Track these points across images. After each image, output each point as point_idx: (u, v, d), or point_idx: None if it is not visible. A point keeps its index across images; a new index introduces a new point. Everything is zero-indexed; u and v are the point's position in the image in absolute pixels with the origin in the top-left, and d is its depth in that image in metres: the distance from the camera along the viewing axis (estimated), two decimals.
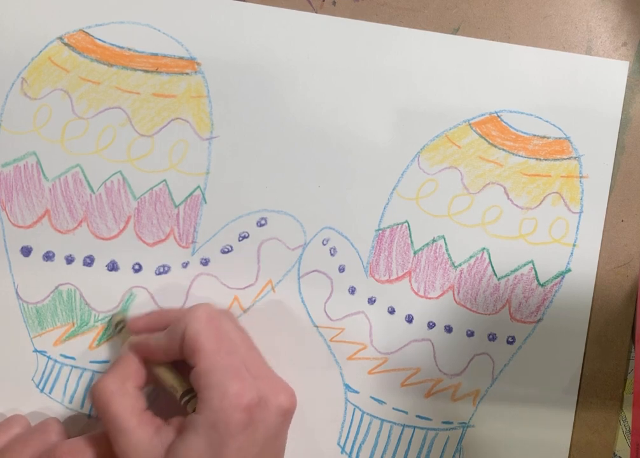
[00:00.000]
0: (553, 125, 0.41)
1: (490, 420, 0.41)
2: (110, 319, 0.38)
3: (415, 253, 0.40)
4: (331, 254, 0.40)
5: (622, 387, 0.42)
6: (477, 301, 0.41)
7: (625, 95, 0.41)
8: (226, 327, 0.35)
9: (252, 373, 0.34)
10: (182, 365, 0.34)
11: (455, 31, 0.40)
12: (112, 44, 0.38)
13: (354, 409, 0.40)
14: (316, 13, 0.39)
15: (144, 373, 0.35)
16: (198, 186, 0.39)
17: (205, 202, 0.39)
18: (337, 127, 0.40)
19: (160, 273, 0.39)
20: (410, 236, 0.40)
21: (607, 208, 0.41)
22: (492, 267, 0.41)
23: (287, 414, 0.34)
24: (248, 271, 0.39)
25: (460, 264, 0.41)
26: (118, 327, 0.38)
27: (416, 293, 0.40)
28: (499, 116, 0.40)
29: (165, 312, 0.38)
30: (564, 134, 0.41)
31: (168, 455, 0.32)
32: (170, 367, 0.36)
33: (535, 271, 0.41)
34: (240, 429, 0.31)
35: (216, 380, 0.32)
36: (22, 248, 0.38)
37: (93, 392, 0.34)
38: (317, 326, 0.40)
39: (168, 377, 0.35)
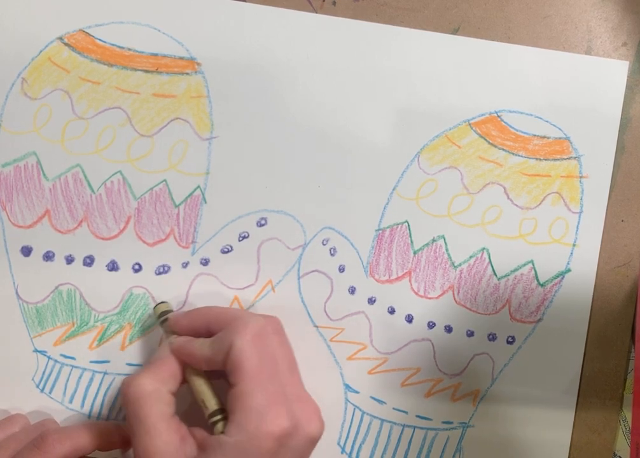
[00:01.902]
0: (553, 125, 0.41)
1: (490, 420, 0.41)
2: (154, 308, 0.38)
3: (415, 253, 0.40)
4: (331, 254, 0.40)
5: (622, 387, 0.42)
6: (477, 301, 0.41)
7: (625, 95, 0.41)
8: (271, 345, 0.34)
9: (288, 394, 0.33)
10: (219, 373, 0.34)
11: (455, 31, 0.40)
12: (113, 44, 0.38)
13: (354, 409, 0.40)
14: (316, 13, 0.39)
15: (180, 378, 0.35)
16: (198, 186, 0.39)
17: (205, 202, 0.39)
18: (337, 127, 0.40)
19: (160, 273, 0.39)
20: (410, 236, 0.40)
21: (607, 208, 0.41)
22: (492, 267, 0.41)
23: (314, 441, 0.34)
24: (248, 271, 0.39)
25: (460, 264, 0.41)
26: (160, 319, 0.37)
27: (416, 293, 0.40)
28: (498, 116, 0.40)
29: (209, 312, 0.37)
30: (564, 134, 0.41)
31: None
32: (205, 380, 0.35)
33: (535, 271, 0.41)
34: (269, 456, 0.31)
35: (254, 404, 0.32)
36: (22, 248, 0.38)
37: (127, 389, 0.33)
38: (317, 326, 0.40)
39: (201, 391, 0.35)
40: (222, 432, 0.33)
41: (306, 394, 0.35)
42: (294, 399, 0.33)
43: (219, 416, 0.34)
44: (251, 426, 0.31)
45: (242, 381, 0.32)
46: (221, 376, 0.35)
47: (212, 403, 0.34)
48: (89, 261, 0.38)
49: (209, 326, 0.35)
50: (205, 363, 0.34)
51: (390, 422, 0.41)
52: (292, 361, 0.36)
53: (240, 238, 0.39)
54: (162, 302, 0.38)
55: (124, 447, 0.36)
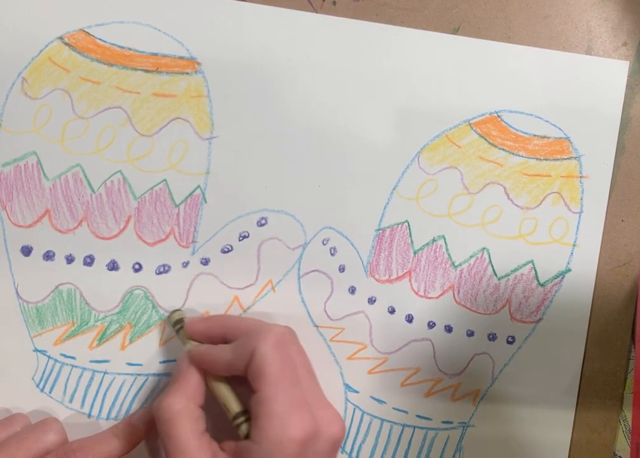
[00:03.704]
0: (553, 125, 0.41)
1: (490, 420, 0.41)
2: (168, 317, 0.38)
3: (415, 253, 0.40)
4: (331, 254, 0.40)
5: (622, 386, 0.42)
6: (477, 301, 0.41)
7: (625, 95, 0.41)
8: (291, 353, 0.35)
9: (309, 400, 0.34)
10: (241, 379, 0.34)
11: (455, 31, 0.40)
12: (113, 44, 0.38)
13: (354, 409, 0.40)
14: (316, 13, 0.39)
15: (203, 389, 0.35)
16: (198, 186, 0.39)
17: (205, 202, 0.39)
18: (337, 127, 0.40)
19: (160, 273, 0.39)
20: (410, 236, 0.40)
21: (607, 208, 0.41)
22: (492, 267, 0.41)
23: (337, 444, 0.34)
24: (248, 271, 0.39)
25: (460, 264, 0.41)
26: (176, 327, 0.38)
27: (416, 293, 0.40)
28: (499, 116, 0.40)
29: (227, 320, 0.37)
30: (564, 134, 0.41)
31: None
32: (226, 384, 0.35)
33: (535, 271, 0.41)
34: None
35: (277, 410, 0.32)
36: (22, 247, 0.38)
37: (158, 412, 0.34)
38: (317, 326, 0.40)
39: (222, 395, 0.35)
40: (246, 435, 0.33)
41: (326, 400, 0.35)
42: (315, 405, 0.34)
43: (241, 419, 0.34)
44: (275, 431, 0.32)
45: (265, 387, 0.33)
46: (243, 383, 0.35)
47: (233, 406, 0.35)
48: (89, 261, 0.38)
49: (226, 334, 0.36)
50: (227, 369, 0.34)
51: (390, 421, 0.41)
52: (311, 369, 0.36)
53: (240, 238, 0.39)
54: (176, 310, 0.39)
55: (146, 437, 0.37)
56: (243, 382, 0.34)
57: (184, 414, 0.34)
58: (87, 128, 0.38)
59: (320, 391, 0.36)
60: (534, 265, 0.41)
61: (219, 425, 0.36)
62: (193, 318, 0.38)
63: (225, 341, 0.36)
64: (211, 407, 0.36)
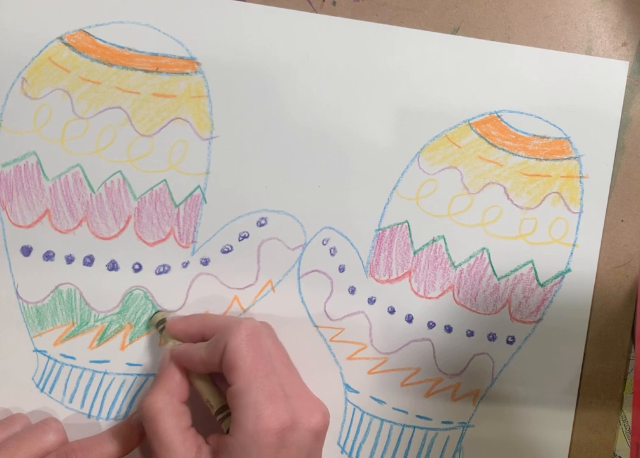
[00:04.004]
0: (553, 125, 0.41)
1: (490, 420, 0.41)
2: (151, 318, 0.39)
3: (415, 253, 0.40)
4: (331, 254, 0.40)
5: (622, 387, 0.42)
6: (477, 301, 0.41)
7: (625, 95, 0.41)
8: (265, 344, 0.35)
9: (287, 391, 0.34)
10: (223, 376, 0.34)
11: (455, 31, 0.40)
12: (113, 44, 0.38)
13: (354, 409, 0.40)
14: (316, 13, 0.39)
15: (187, 385, 0.36)
16: (198, 186, 0.39)
17: (205, 202, 0.39)
18: (337, 127, 0.40)
19: (160, 273, 0.39)
20: (410, 236, 0.40)
21: (607, 208, 0.41)
22: (492, 267, 0.41)
23: (319, 434, 0.34)
24: (248, 271, 0.39)
25: (460, 264, 0.41)
26: (159, 327, 0.38)
27: (416, 293, 0.40)
28: (498, 116, 0.40)
29: (205, 318, 0.38)
30: (564, 134, 0.41)
31: None
32: (208, 380, 0.36)
33: (535, 271, 0.41)
34: (272, 453, 0.32)
35: (251, 402, 0.32)
36: (22, 248, 0.38)
37: (142, 409, 0.34)
38: (317, 326, 0.40)
39: (204, 391, 0.35)
40: (228, 429, 0.33)
41: (308, 391, 0.35)
42: (293, 396, 0.34)
43: (223, 414, 0.34)
44: (250, 423, 0.32)
45: (238, 380, 0.33)
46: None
47: (215, 401, 0.35)
48: (89, 261, 0.38)
49: (204, 332, 0.36)
50: (203, 366, 0.35)
51: (390, 421, 0.41)
52: (289, 361, 0.36)
53: (240, 238, 0.39)
54: (157, 311, 0.39)
55: (141, 441, 0.37)
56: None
57: (167, 410, 0.34)
58: (87, 128, 0.38)
59: (299, 382, 0.35)
60: (533, 265, 0.41)
61: (210, 420, 0.36)
62: (174, 317, 0.38)
63: (204, 339, 0.36)
64: (201, 403, 0.36)
